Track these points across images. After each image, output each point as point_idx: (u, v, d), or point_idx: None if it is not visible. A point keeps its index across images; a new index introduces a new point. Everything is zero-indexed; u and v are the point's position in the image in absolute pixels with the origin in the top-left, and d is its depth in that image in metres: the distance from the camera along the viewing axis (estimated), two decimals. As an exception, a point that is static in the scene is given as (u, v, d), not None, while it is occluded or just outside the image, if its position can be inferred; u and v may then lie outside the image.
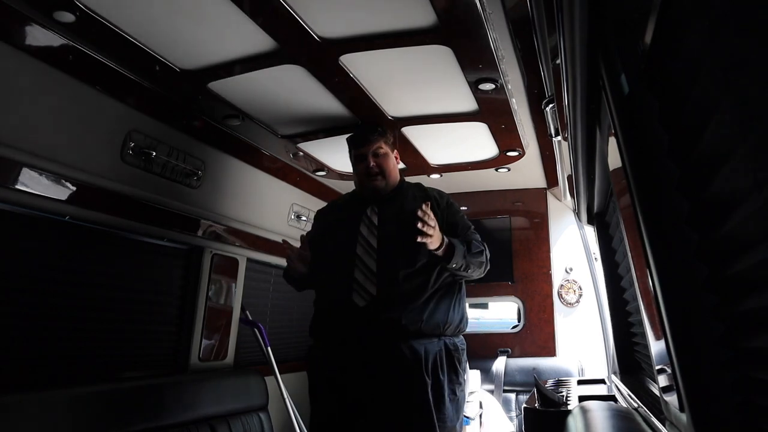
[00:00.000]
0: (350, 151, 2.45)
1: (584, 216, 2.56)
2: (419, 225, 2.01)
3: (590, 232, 3.31)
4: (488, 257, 2.34)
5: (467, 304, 2.44)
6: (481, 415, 3.56)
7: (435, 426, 2.10)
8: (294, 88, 2.33)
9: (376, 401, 2.16)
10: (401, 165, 3.04)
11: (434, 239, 2.07)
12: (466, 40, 1.91)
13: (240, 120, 2.58)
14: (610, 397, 2.09)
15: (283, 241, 2.46)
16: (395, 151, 2.48)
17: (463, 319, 2.35)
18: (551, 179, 3.93)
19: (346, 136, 2.87)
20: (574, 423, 1.53)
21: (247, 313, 3.23)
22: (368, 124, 2.52)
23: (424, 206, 2.03)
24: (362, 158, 2.37)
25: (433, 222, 2.04)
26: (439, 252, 2.15)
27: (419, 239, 2.02)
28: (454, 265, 2.18)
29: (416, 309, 2.19)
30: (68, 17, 1.69)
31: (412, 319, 2.17)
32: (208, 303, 2.91)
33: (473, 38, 1.90)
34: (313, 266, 2.33)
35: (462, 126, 2.80)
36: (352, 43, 1.96)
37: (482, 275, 2.36)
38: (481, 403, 3.61)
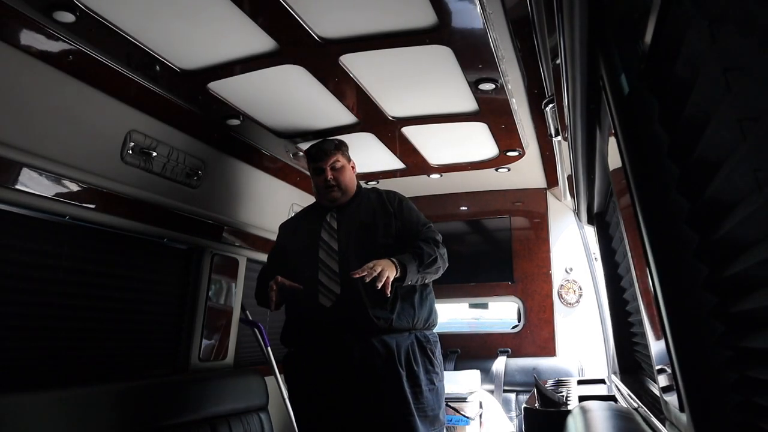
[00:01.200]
0: (309, 164, 2.54)
1: (584, 216, 2.56)
2: (367, 279, 2.08)
3: (590, 232, 3.32)
4: (444, 257, 2.37)
5: (434, 300, 2.48)
6: (481, 415, 3.56)
7: (414, 416, 2.15)
8: (294, 88, 2.33)
9: (355, 397, 2.20)
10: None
11: (388, 272, 2.11)
12: (466, 40, 1.92)
13: (240, 120, 2.58)
14: (610, 397, 2.09)
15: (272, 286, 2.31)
16: (351, 161, 2.55)
17: (432, 313, 2.41)
18: (551, 179, 3.93)
19: (346, 136, 2.87)
20: (574, 423, 1.53)
21: (247, 313, 3.23)
22: (326, 139, 2.59)
23: (354, 273, 2.10)
24: (320, 171, 2.46)
25: (373, 267, 2.09)
26: (396, 274, 2.17)
27: (378, 285, 2.07)
28: (409, 282, 2.24)
29: (382, 304, 2.23)
30: (68, 17, 1.69)
31: (382, 316, 2.23)
32: (208, 303, 2.91)
33: (473, 38, 1.90)
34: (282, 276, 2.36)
35: (462, 126, 2.80)
36: (352, 43, 1.96)
37: (438, 276, 2.39)
38: (481, 403, 3.61)
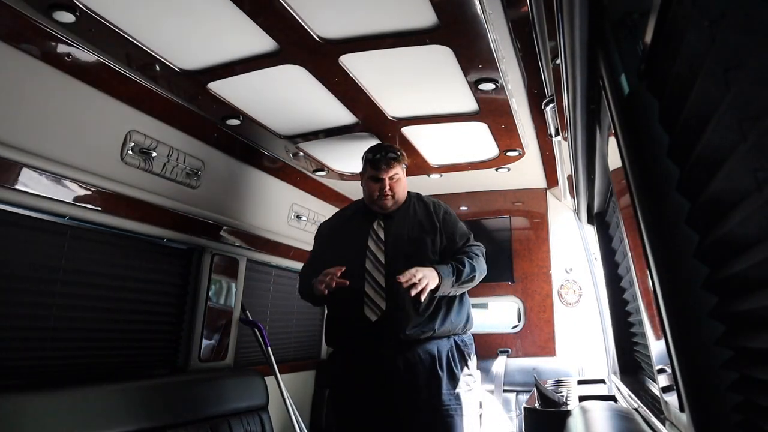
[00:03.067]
0: (366, 168, 2.46)
1: (584, 216, 2.56)
2: (408, 286, 2.09)
3: (590, 232, 3.32)
4: (482, 268, 2.39)
5: (470, 304, 2.54)
6: (481, 415, 3.56)
7: (454, 417, 2.24)
8: (294, 88, 2.33)
9: (397, 402, 2.28)
10: None
11: (428, 281, 2.14)
12: (466, 40, 1.91)
13: (240, 120, 2.58)
14: (610, 397, 2.09)
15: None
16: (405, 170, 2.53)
17: (469, 319, 2.47)
18: (551, 179, 3.93)
19: (347, 136, 2.87)
20: (574, 423, 1.53)
21: (247, 313, 3.22)
22: (387, 146, 2.50)
23: (399, 278, 2.10)
24: (378, 180, 2.41)
25: (418, 276, 2.11)
26: (434, 285, 2.19)
27: (413, 293, 2.09)
28: (442, 294, 2.27)
29: (426, 319, 2.29)
30: (68, 17, 1.69)
31: (424, 329, 2.28)
32: (208, 303, 2.91)
33: (473, 38, 1.90)
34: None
35: (462, 126, 2.80)
36: (352, 43, 1.96)
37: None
38: (481, 403, 3.60)
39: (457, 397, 2.27)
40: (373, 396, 2.31)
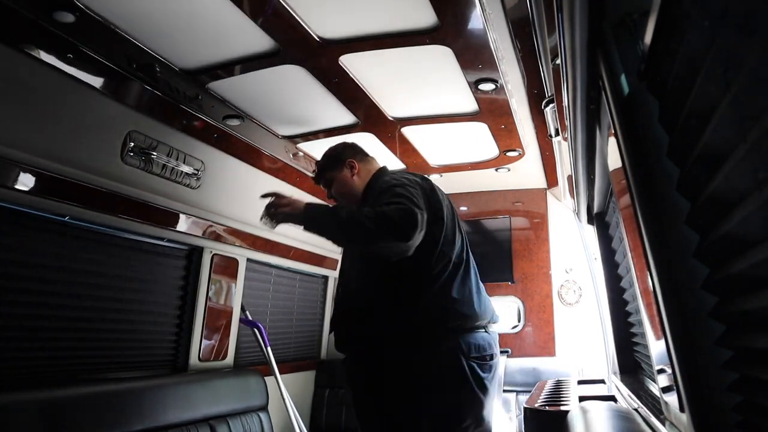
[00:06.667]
0: None
1: (584, 216, 2.56)
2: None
3: (590, 232, 3.32)
4: (386, 218, 1.70)
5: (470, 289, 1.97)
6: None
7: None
8: (294, 88, 2.33)
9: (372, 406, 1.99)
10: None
11: (281, 205, 1.88)
12: (466, 40, 1.92)
13: (240, 120, 2.58)
14: (610, 397, 2.08)
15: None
16: (348, 162, 2.13)
17: (456, 313, 1.87)
18: (551, 179, 3.93)
19: (346, 136, 2.87)
20: (574, 423, 1.53)
21: (247, 313, 3.23)
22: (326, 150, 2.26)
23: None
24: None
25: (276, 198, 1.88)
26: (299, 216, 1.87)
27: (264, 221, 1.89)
28: (306, 229, 1.87)
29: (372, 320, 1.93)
30: (68, 17, 1.68)
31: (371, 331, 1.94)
32: (208, 303, 2.91)
33: (473, 38, 1.90)
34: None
35: (462, 126, 2.80)
36: (352, 44, 1.96)
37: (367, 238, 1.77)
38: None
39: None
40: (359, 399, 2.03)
